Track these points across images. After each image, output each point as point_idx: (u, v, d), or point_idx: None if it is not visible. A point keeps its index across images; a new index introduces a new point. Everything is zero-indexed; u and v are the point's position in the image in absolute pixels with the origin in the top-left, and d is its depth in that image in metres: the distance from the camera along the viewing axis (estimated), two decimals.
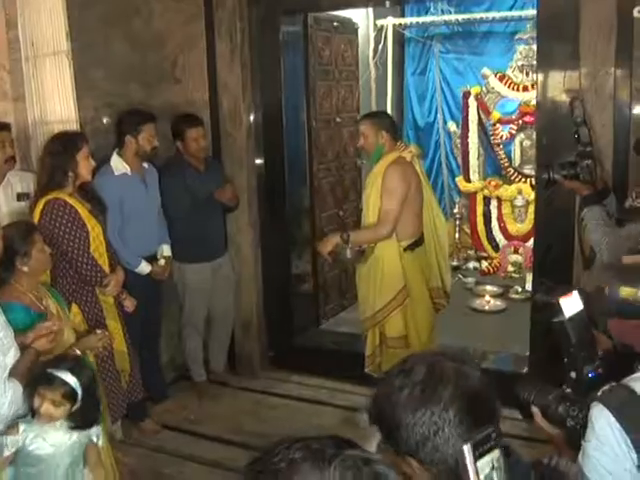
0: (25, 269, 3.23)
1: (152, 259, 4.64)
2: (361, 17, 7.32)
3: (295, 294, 5.67)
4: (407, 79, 8.56)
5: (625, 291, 1.95)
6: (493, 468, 0.97)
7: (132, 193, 4.45)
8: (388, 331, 4.40)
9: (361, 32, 7.07)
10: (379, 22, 7.81)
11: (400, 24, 8.10)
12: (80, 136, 4.00)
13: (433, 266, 4.58)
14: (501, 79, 7.30)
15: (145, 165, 4.62)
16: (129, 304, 4.18)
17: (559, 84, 4.26)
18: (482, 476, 0.96)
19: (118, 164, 4.43)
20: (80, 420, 2.84)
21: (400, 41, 8.38)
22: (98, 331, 3.60)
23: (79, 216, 3.83)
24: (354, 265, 4.60)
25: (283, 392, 5.22)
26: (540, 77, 4.42)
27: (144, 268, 4.54)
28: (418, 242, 4.45)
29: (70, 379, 2.76)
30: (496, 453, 0.99)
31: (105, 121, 4.60)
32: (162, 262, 4.69)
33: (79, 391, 2.79)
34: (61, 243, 3.79)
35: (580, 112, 3.54)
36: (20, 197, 4.21)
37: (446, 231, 4.80)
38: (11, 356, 2.77)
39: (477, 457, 0.95)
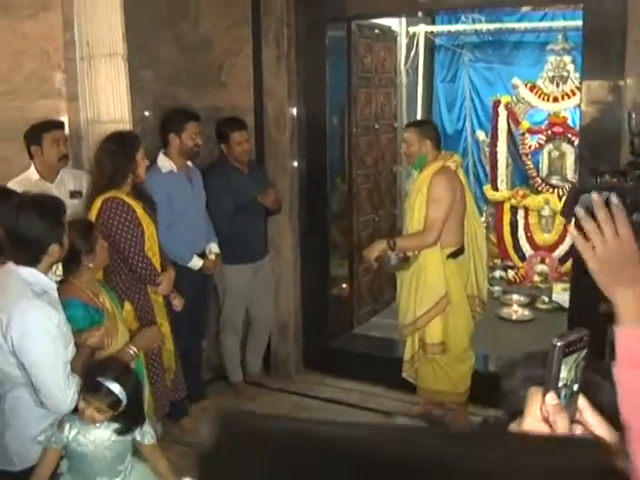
0: (91, 265, 3.30)
1: (201, 257, 4.70)
2: (394, 24, 7.37)
3: (331, 298, 5.74)
4: (437, 86, 8.61)
5: None
6: (577, 364, 1.04)
7: (179, 190, 4.52)
8: (428, 337, 4.48)
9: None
10: (411, 29, 7.85)
11: (431, 32, 8.16)
12: (136, 137, 4.08)
13: (471, 274, 4.65)
14: (531, 89, 7.33)
15: (190, 164, 4.69)
16: (178, 303, 4.24)
17: (604, 96, 4.33)
18: (565, 369, 1.02)
19: (165, 162, 4.51)
20: (123, 424, 2.88)
21: (431, 48, 8.43)
22: (154, 328, 3.68)
23: (135, 215, 3.91)
24: (397, 271, 4.66)
25: (317, 394, 5.28)
26: (585, 88, 4.48)
27: (196, 262, 4.60)
28: (460, 250, 4.53)
29: (116, 388, 2.78)
30: (582, 353, 1.04)
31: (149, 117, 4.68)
32: (212, 257, 4.76)
33: (124, 401, 2.81)
34: (118, 241, 3.85)
35: (637, 122, 3.61)
36: (73, 195, 4.28)
37: (484, 241, 4.86)
38: (70, 351, 2.83)
39: (565, 354, 1.01)
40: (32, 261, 2.75)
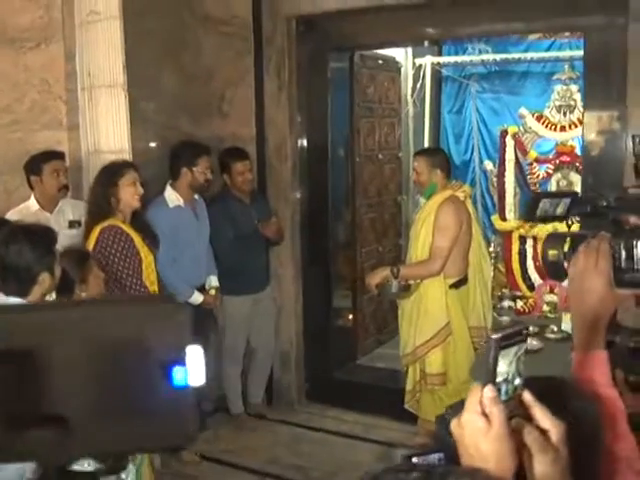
0: (84, 295, 3.27)
1: (201, 290, 4.68)
2: (401, 56, 7.40)
3: (334, 328, 5.69)
4: (444, 117, 8.60)
5: None
6: (518, 358, 1.03)
7: (185, 225, 4.52)
8: (428, 368, 4.40)
9: (401, 71, 7.14)
10: (417, 61, 7.87)
11: (438, 63, 8.17)
12: (125, 163, 4.05)
13: (477, 305, 4.57)
14: (538, 119, 7.33)
15: (196, 197, 4.69)
16: None
17: (606, 123, 4.31)
18: (505, 362, 1.01)
19: (172, 196, 4.52)
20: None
21: (438, 79, 8.43)
22: None
23: (133, 243, 3.89)
24: (397, 300, 4.62)
25: (320, 426, 5.21)
26: (587, 116, 4.47)
27: (197, 298, 4.59)
28: (463, 281, 4.47)
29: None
30: (522, 346, 1.04)
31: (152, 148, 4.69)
32: (212, 292, 4.74)
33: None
34: (115, 269, 3.83)
35: None
36: (72, 224, 4.28)
37: (491, 272, 4.80)
38: None
39: (502, 347, 1.00)
40: (22, 291, 2.72)
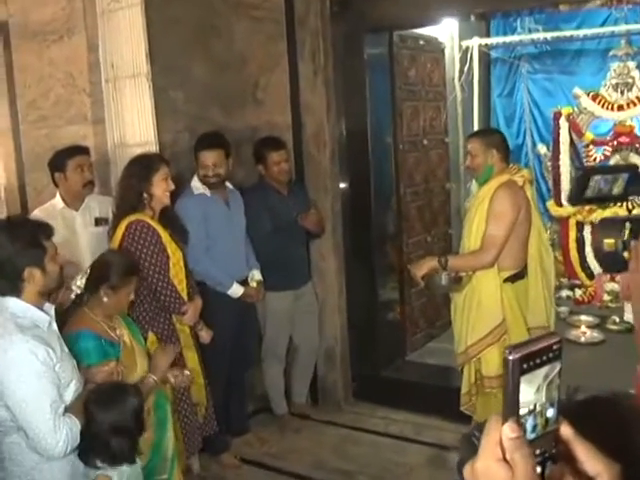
0: (105, 300, 3.10)
1: (242, 284, 4.48)
2: (446, 38, 7.09)
3: (380, 323, 5.42)
4: (494, 101, 8.27)
5: None
6: (550, 382, 0.78)
7: (214, 213, 4.31)
8: (484, 369, 4.04)
9: (446, 53, 6.86)
10: (464, 43, 7.53)
11: (486, 44, 7.82)
12: (157, 157, 3.89)
13: (538, 302, 4.15)
14: (594, 99, 6.94)
15: (230, 186, 4.47)
16: (205, 335, 4.00)
17: None
18: (530, 389, 0.77)
19: (197, 183, 4.31)
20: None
21: (486, 62, 8.10)
22: (186, 372, 3.45)
23: (161, 240, 3.71)
24: (447, 293, 4.32)
25: (367, 427, 4.97)
26: None
27: (237, 290, 4.39)
28: (520, 274, 4.06)
29: None
30: (555, 366, 0.79)
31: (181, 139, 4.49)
32: (254, 284, 4.53)
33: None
34: (142, 267, 3.64)
35: None
36: (98, 222, 4.11)
37: (552, 265, 4.40)
38: (71, 390, 2.62)
39: (525, 370, 0.76)
40: (11, 289, 2.54)
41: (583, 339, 6.24)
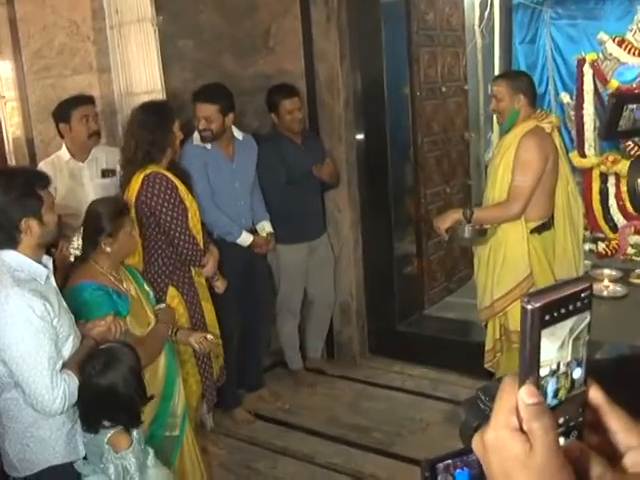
0: (108, 250, 3.00)
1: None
2: None
3: (397, 277, 5.28)
4: (515, 48, 8.04)
5: None
6: (576, 338, 0.65)
7: (215, 164, 4.19)
8: (511, 324, 3.87)
9: None
10: None
11: None
12: (171, 107, 3.75)
13: (567, 254, 3.98)
14: (620, 44, 6.68)
15: (239, 137, 4.33)
16: (220, 285, 3.93)
17: None
18: (553, 345, 0.64)
19: (197, 135, 4.18)
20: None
21: (508, 7, 7.85)
22: (209, 336, 3.38)
23: (178, 192, 3.59)
24: (471, 245, 4.17)
25: (383, 382, 4.89)
26: None
27: (246, 238, 4.28)
28: (547, 225, 3.89)
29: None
30: (583, 318, 0.65)
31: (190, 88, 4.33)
32: (264, 234, 4.43)
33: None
34: (163, 220, 3.55)
35: None
36: (105, 174, 4.00)
37: (582, 214, 4.22)
38: (69, 346, 2.54)
39: (547, 322, 0.63)
40: (8, 240, 2.45)
41: (605, 293, 6.10)
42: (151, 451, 2.69)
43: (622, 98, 4.12)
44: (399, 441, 4.12)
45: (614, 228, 6.86)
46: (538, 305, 0.62)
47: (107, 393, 2.52)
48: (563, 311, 0.63)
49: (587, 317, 0.65)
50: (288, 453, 4.08)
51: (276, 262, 4.75)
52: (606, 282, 6.23)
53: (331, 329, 5.17)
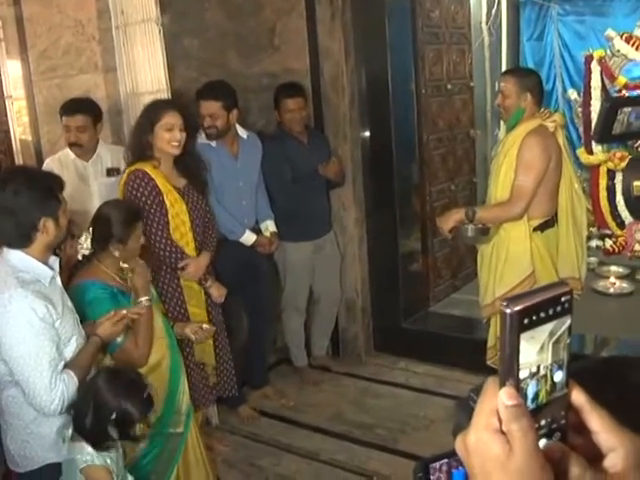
0: (117, 254, 3.03)
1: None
2: None
3: (403, 274, 5.29)
4: (523, 44, 8.01)
5: None
6: (556, 341, 0.66)
7: (219, 163, 4.18)
8: None
9: None
10: None
11: None
12: (164, 104, 3.69)
13: (570, 252, 4.01)
14: (628, 40, 6.63)
15: (244, 136, 4.34)
16: (216, 293, 3.83)
17: None
18: (532, 349, 0.65)
19: (202, 134, 4.19)
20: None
21: (515, 4, 7.82)
22: (205, 326, 3.38)
23: (157, 189, 3.55)
24: (474, 244, 4.18)
25: (388, 379, 4.90)
26: None
27: (249, 237, 4.30)
28: (549, 222, 3.91)
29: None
30: (563, 322, 0.66)
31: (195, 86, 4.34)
32: (267, 234, 4.44)
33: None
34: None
35: None
36: (110, 172, 4.02)
37: (584, 214, 4.22)
38: (72, 346, 2.57)
39: (526, 326, 0.64)
40: (22, 240, 2.48)
41: (612, 290, 6.09)
42: (130, 478, 2.69)
43: (616, 102, 4.12)
44: (403, 438, 4.13)
45: (621, 225, 6.82)
46: (517, 309, 0.63)
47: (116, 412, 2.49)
48: (542, 315, 0.65)
49: (567, 321, 0.66)
50: (292, 450, 4.10)
51: (282, 259, 4.77)
52: (612, 279, 6.21)
53: (336, 326, 5.19)
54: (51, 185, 2.53)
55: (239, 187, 4.31)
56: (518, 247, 3.83)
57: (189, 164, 3.78)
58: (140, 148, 3.57)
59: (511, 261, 3.84)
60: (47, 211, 2.48)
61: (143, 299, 2.99)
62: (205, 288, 3.81)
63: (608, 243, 6.83)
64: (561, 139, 3.91)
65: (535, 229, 3.85)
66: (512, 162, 3.76)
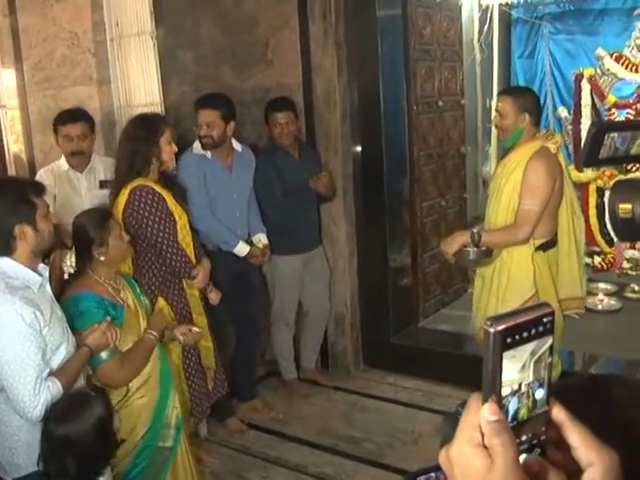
0: (102, 258, 3.03)
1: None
2: None
3: (393, 289, 5.31)
4: (514, 62, 8.09)
5: None
6: (538, 360, 0.68)
7: (212, 176, 4.23)
8: None
9: (465, 13, 6.67)
10: (484, 2, 7.35)
11: (506, 3, 7.62)
12: (162, 119, 3.77)
13: (573, 271, 3.94)
14: (617, 60, 6.74)
15: (238, 149, 4.38)
16: (214, 297, 3.96)
17: None
18: (514, 367, 0.67)
19: (198, 144, 4.23)
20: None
21: (506, 22, 7.91)
22: (194, 329, 3.41)
23: (166, 204, 3.61)
24: (475, 267, 4.13)
25: (377, 394, 4.90)
26: None
27: (243, 248, 4.33)
28: (551, 243, 3.84)
29: None
30: (545, 341, 0.69)
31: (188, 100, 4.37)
32: (260, 246, 4.47)
33: None
34: (149, 233, 3.58)
35: None
36: (102, 185, 4.04)
37: (583, 233, 4.21)
38: (61, 354, 2.57)
39: (509, 345, 0.66)
40: (3, 247, 2.50)
41: (600, 307, 6.12)
42: None
43: (603, 126, 4.12)
44: (391, 452, 4.14)
45: (610, 242, 6.89)
46: (500, 328, 0.65)
47: (63, 441, 2.45)
48: (525, 335, 0.67)
49: (549, 341, 0.69)
50: (280, 463, 4.11)
51: (272, 273, 4.78)
52: (601, 296, 6.25)
53: (325, 340, 5.19)
54: (23, 191, 2.53)
55: (233, 199, 4.35)
56: (521, 269, 3.76)
57: (172, 175, 3.85)
58: (143, 162, 3.57)
59: (513, 283, 3.78)
60: (21, 217, 2.49)
61: (152, 333, 3.06)
62: (206, 293, 3.91)
63: (597, 260, 6.90)
64: (562, 160, 3.85)
65: (537, 249, 3.78)
66: (516, 185, 3.68)
